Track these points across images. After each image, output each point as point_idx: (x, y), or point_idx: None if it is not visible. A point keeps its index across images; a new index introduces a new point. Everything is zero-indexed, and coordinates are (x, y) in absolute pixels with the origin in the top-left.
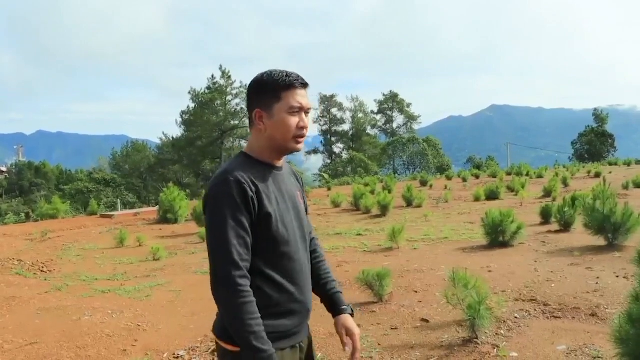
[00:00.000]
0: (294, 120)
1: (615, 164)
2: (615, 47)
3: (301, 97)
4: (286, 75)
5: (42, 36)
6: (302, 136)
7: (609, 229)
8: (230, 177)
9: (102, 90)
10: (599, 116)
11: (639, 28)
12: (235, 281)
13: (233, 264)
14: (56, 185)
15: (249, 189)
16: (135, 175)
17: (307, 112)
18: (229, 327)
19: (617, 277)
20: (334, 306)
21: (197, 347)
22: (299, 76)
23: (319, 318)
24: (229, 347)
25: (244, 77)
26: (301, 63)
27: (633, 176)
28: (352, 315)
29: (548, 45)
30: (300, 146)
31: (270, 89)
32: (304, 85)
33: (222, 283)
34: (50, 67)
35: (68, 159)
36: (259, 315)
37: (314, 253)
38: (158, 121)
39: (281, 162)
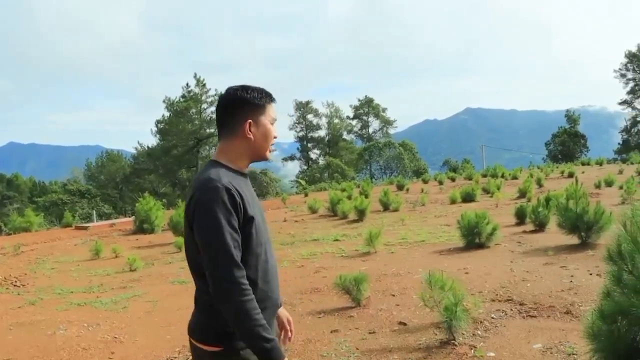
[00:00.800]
0: (273, 131)
1: (588, 164)
2: (585, 49)
3: (275, 110)
4: (266, 92)
5: (13, 44)
6: (272, 144)
7: (582, 227)
8: (219, 185)
9: (76, 100)
10: (571, 117)
11: (607, 31)
12: (239, 280)
13: (235, 265)
14: (29, 197)
15: (236, 196)
16: (110, 186)
17: None
18: (235, 323)
19: (591, 274)
20: None
21: (175, 357)
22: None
23: (296, 324)
24: (210, 349)
25: (220, 85)
26: (279, 69)
27: (605, 175)
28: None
29: (521, 48)
30: (270, 155)
31: (258, 102)
32: (275, 100)
33: (227, 283)
34: (22, 76)
35: (41, 170)
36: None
37: None
38: (133, 131)
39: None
